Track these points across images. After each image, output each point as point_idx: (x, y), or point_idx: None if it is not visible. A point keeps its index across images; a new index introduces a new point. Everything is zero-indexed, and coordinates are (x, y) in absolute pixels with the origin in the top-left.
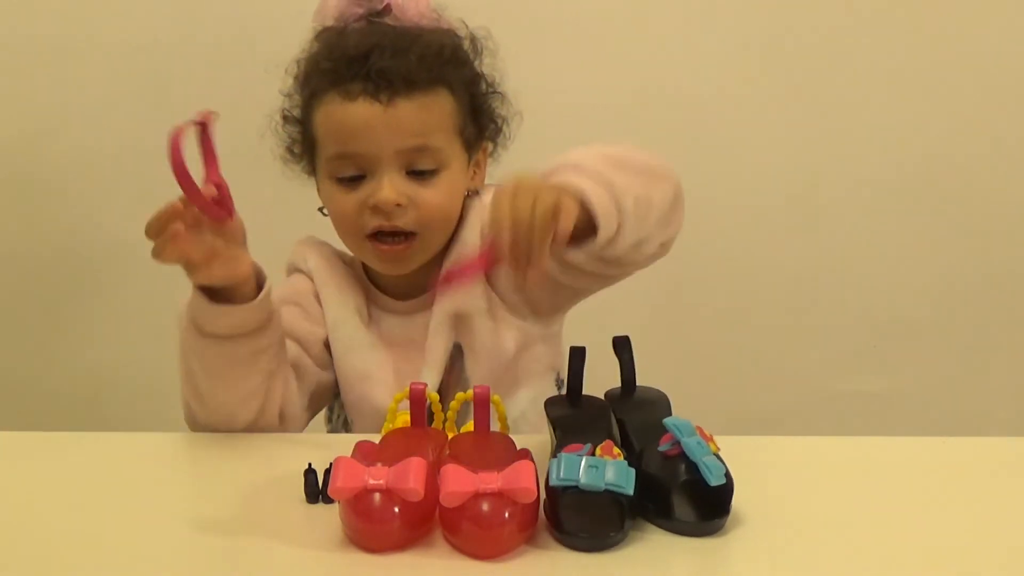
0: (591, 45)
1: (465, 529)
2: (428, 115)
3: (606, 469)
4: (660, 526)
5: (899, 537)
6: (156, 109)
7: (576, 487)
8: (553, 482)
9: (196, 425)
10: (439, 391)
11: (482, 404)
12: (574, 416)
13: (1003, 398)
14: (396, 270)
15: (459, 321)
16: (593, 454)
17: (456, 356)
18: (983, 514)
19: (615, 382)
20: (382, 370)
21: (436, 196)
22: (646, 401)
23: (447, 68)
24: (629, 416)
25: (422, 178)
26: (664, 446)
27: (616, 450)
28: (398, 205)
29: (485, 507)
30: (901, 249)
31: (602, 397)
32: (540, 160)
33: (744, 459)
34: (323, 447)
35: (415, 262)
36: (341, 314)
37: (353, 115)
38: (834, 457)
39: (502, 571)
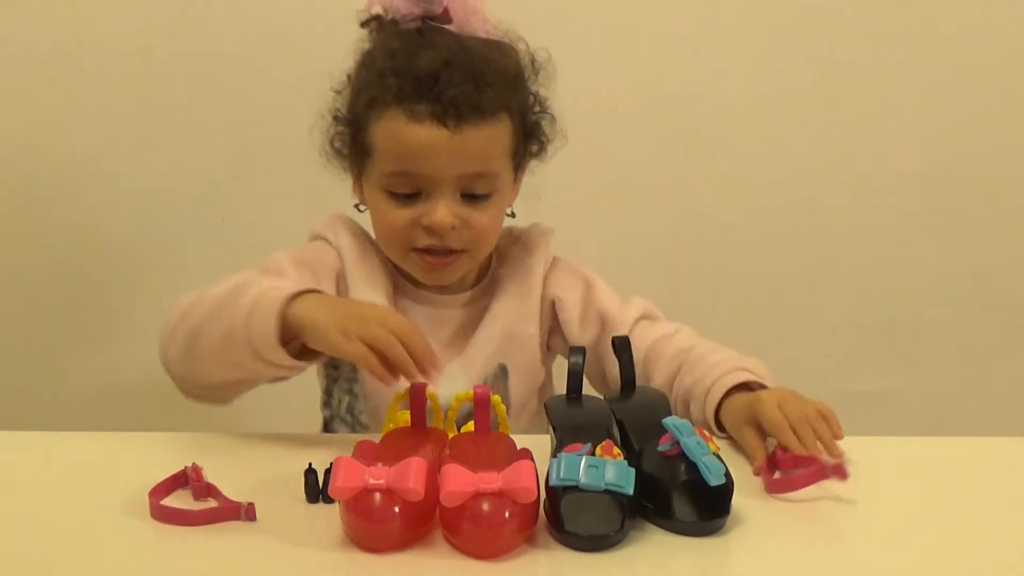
0: (597, 47)
1: (465, 529)
2: (491, 143)
3: (606, 469)
4: (660, 526)
5: (899, 537)
6: (163, 112)
7: (576, 487)
8: (553, 482)
9: (165, 361)
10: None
11: (482, 404)
12: (574, 416)
13: (1003, 398)
14: (438, 281)
15: (508, 342)
16: (593, 454)
17: (498, 375)
18: (983, 514)
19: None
20: None
21: (487, 219)
22: (646, 401)
23: (512, 95)
24: (629, 416)
25: (476, 201)
26: (664, 446)
27: (616, 450)
28: (452, 228)
29: (485, 507)
30: (901, 249)
31: (602, 398)
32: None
33: (744, 459)
34: (324, 447)
35: (457, 275)
36: (370, 299)
37: (418, 138)
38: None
39: (502, 571)
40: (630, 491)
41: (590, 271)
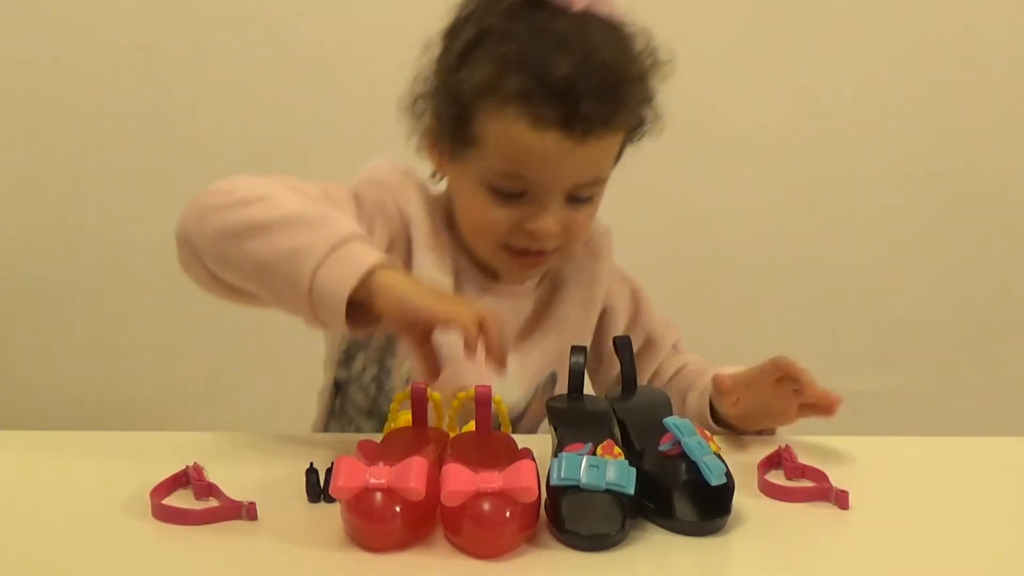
0: None
1: (466, 528)
2: (609, 152)
3: (607, 469)
4: (661, 526)
5: (898, 537)
6: (158, 108)
7: (577, 487)
8: (554, 481)
9: (182, 231)
10: (522, 410)
11: (483, 404)
12: (575, 415)
13: (1003, 398)
14: (523, 279)
15: (565, 351)
16: (594, 453)
17: (547, 383)
18: (983, 514)
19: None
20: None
21: (586, 220)
22: (647, 401)
23: (640, 105)
24: (630, 416)
25: (578, 204)
26: (665, 446)
27: (617, 449)
28: (555, 233)
29: (486, 506)
30: (901, 249)
31: (603, 397)
32: None
33: (744, 459)
34: (324, 446)
35: (543, 271)
36: (436, 277)
37: (540, 145)
38: (834, 457)
39: (502, 571)
40: (631, 491)
41: (635, 279)
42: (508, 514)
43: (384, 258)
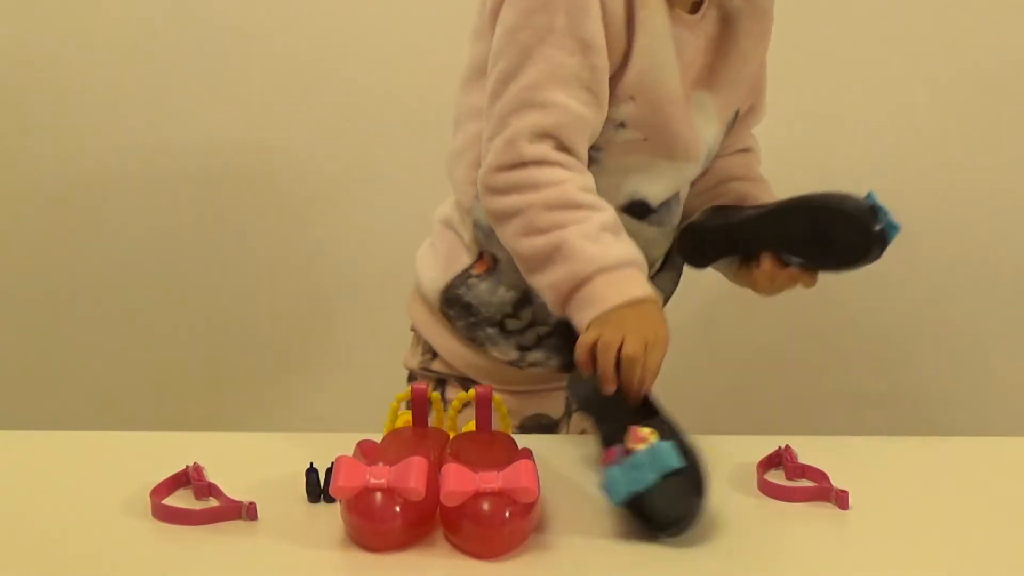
0: None
1: (466, 528)
2: None
3: (646, 462)
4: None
5: (898, 537)
6: (163, 105)
7: (639, 493)
8: (619, 503)
9: (487, 211)
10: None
11: (483, 404)
12: (599, 397)
13: (1003, 398)
14: None
15: (747, 91)
16: (626, 452)
17: (731, 120)
18: (983, 514)
19: None
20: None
21: None
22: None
23: None
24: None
25: None
26: None
27: (642, 432)
28: None
29: (486, 506)
30: (901, 249)
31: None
32: None
33: (744, 459)
34: (324, 447)
35: None
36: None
37: None
38: (834, 457)
39: (502, 570)
40: (679, 463)
41: None
42: (508, 514)
43: (614, 305)
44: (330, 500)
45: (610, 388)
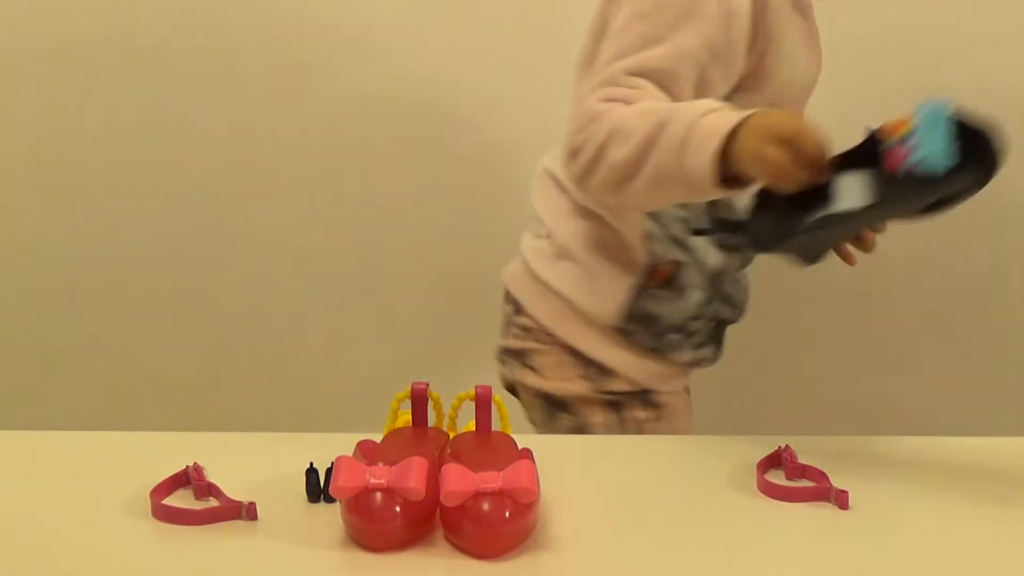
0: None
1: (466, 528)
2: None
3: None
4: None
5: (898, 537)
6: (158, 107)
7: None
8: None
9: (581, 187)
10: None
11: (484, 404)
12: (790, 209)
13: (1003, 398)
14: None
15: None
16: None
17: None
18: (983, 514)
19: None
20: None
21: None
22: None
23: None
24: None
25: None
26: None
27: (891, 123)
28: None
29: (486, 506)
30: (902, 249)
31: None
32: None
33: (744, 459)
34: (324, 446)
35: None
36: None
37: None
38: (834, 457)
39: (502, 570)
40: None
41: None
42: (508, 514)
43: (723, 133)
44: (330, 500)
45: (824, 161)
